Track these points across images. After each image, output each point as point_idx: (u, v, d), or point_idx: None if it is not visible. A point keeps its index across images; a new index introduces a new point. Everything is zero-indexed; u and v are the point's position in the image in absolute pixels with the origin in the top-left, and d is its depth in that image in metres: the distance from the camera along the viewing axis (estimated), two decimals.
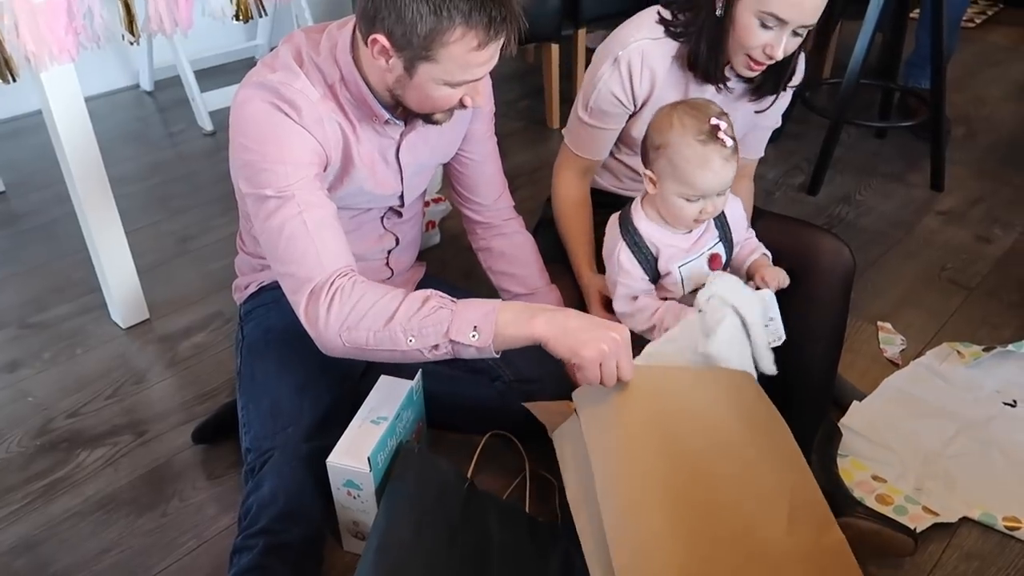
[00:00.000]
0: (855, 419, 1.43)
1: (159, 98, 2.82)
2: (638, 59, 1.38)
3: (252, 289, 1.39)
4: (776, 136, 2.13)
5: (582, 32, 2.58)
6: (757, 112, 1.46)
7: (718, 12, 1.30)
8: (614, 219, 1.33)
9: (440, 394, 1.36)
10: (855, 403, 1.43)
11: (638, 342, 1.16)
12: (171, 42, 2.47)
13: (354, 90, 1.14)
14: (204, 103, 2.56)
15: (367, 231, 1.34)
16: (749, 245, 1.38)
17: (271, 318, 1.33)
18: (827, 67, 2.88)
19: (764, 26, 1.26)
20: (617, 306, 1.30)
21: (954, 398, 1.53)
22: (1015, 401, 1.52)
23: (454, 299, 1.09)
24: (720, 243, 1.32)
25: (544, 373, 1.33)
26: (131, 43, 1.51)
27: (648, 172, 1.25)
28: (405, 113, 1.20)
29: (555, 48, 2.51)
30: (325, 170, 1.17)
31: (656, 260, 1.28)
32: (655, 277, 1.30)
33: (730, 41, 1.32)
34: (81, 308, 1.79)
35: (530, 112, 2.71)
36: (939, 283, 1.88)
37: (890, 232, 2.07)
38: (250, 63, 2.54)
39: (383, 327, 1.06)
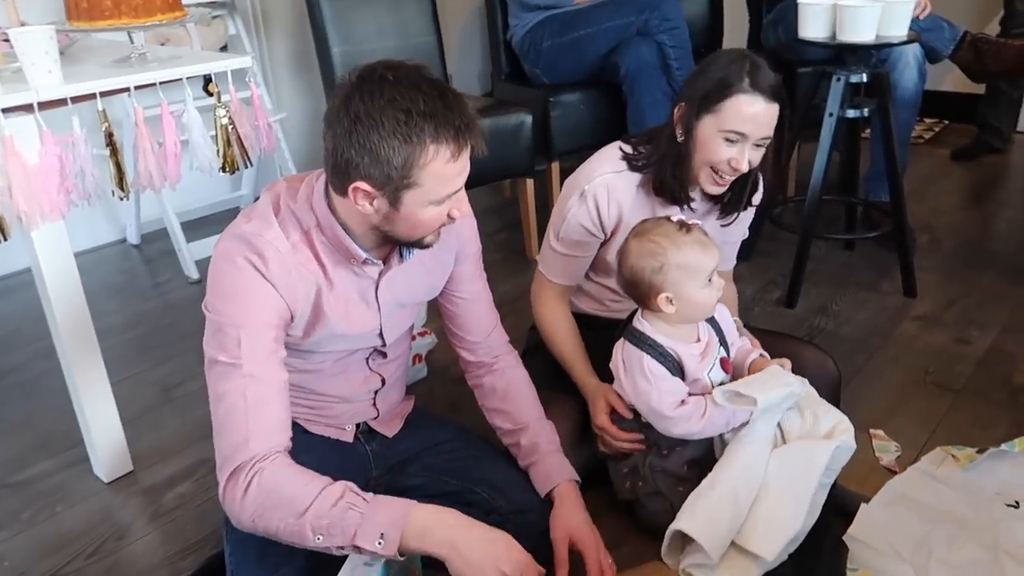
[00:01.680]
0: (862, 528, 1.39)
1: (145, 250, 2.87)
2: (604, 192, 1.45)
3: None
4: (749, 254, 2.18)
5: (555, 165, 2.70)
6: (723, 226, 1.53)
7: (679, 138, 1.39)
8: (621, 344, 1.37)
9: None
10: (862, 509, 1.40)
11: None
12: (158, 196, 2.55)
13: (330, 235, 1.17)
14: (190, 253, 2.61)
15: (352, 373, 1.34)
16: (744, 349, 1.43)
17: None
18: (791, 186, 3.01)
19: (728, 141, 1.35)
20: (665, 412, 1.31)
21: (957, 501, 1.50)
22: (1017, 503, 1.49)
23: (367, 498, 1.09)
24: (721, 347, 1.38)
25: (537, 502, 1.31)
26: (121, 199, 1.56)
27: (662, 297, 1.29)
28: (383, 253, 1.23)
29: (530, 182, 2.62)
30: (293, 320, 1.18)
31: (680, 367, 1.32)
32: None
33: (694, 162, 1.40)
34: (63, 463, 1.75)
35: (509, 244, 2.79)
36: (925, 387, 1.90)
37: (870, 340, 2.10)
38: (235, 213, 2.60)
39: (295, 520, 1.07)
